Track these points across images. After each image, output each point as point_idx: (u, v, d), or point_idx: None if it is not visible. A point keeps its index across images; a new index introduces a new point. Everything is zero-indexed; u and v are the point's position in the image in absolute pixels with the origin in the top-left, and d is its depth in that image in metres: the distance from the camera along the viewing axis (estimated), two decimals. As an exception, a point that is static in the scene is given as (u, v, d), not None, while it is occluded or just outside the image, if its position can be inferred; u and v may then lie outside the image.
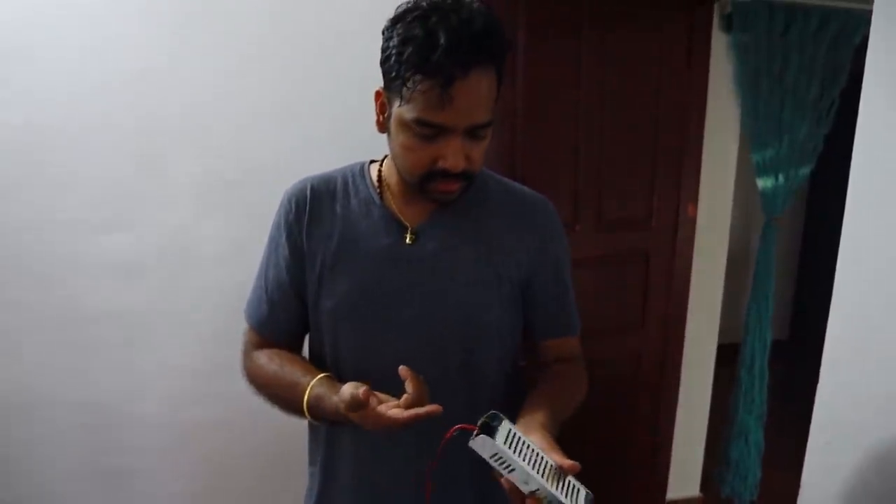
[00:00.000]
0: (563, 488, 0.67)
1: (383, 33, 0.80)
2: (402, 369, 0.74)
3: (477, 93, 0.76)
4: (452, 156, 0.78)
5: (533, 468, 0.66)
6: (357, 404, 0.72)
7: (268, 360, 0.90)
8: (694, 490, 2.30)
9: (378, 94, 0.83)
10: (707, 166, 1.92)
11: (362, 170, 0.93)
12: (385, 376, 0.77)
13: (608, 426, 1.97)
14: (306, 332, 0.96)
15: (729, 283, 2.19)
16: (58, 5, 1.48)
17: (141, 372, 1.72)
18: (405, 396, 0.73)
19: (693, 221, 1.93)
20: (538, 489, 0.66)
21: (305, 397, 0.82)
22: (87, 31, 1.52)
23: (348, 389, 0.75)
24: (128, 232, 1.65)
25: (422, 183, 0.82)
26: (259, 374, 0.91)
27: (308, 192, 0.91)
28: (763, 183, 2.04)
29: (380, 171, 0.92)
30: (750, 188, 2.23)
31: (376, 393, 0.75)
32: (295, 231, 0.90)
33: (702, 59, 1.83)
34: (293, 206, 0.91)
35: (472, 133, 0.79)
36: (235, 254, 1.67)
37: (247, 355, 0.94)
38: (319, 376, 0.84)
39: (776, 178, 2.01)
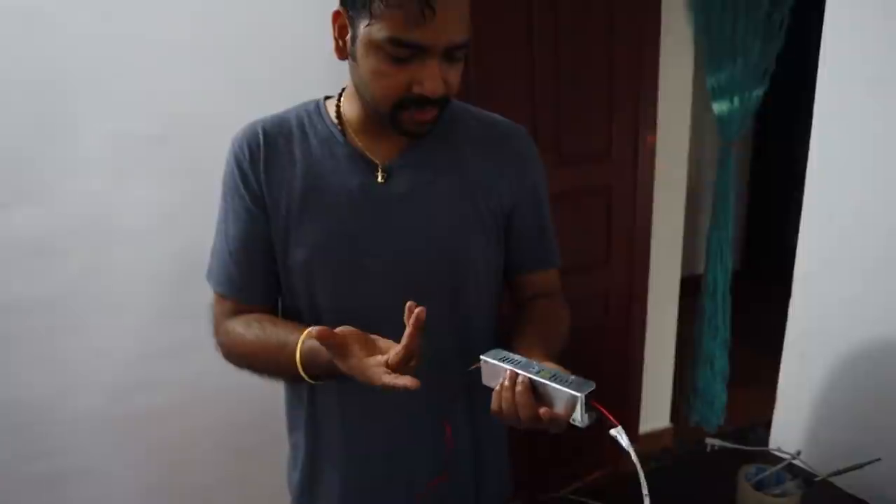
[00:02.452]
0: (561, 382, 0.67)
1: None
2: (411, 307, 0.65)
3: (457, 7, 0.69)
4: (430, 79, 0.70)
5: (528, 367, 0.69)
6: (327, 340, 0.65)
7: (246, 327, 0.81)
8: (664, 421, 2.34)
9: (336, 14, 0.73)
10: (663, 93, 1.87)
11: (318, 107, 0.84)
12: (369, 327, 0.70)
13: (578, 366, 1.94)
14: (280, 291, 0.87)
15: (685, 214, 2.18)
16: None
17: (70, 363, 1.52)
18: (394, 353, 0.65)
19: (652, 151, 1.88)
20: (537, 376, 0.67)
21: (298, 354, 0.74)
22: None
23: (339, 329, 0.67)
24: (35, 206, 1.42)
25: (394, 113, 0.73)
26: (238, 343, 0.81)
27: (260, 135, 0.81)
28: (719, 107, 2.01)
29: (338, 106, 0.83)
30: (699, 114, 2.20)
31: (372, 337, 0.69)
32: (252, 178, 0.80)
33: (653, -21, 1.76)
34: (246, 151, 0.81)
35: (450, 54, 0.71)
36: (167, 219, 1.49)
37: (219, 327, 0.85)
38: (309, 329, 0.74)
39: (731, 102, 1.98)
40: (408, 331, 0.64)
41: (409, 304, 0.65)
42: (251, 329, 0.80)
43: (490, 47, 1.58)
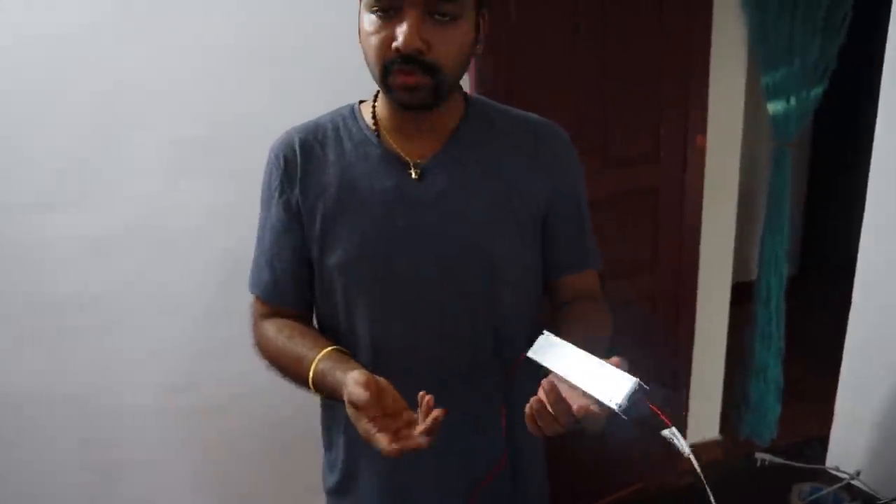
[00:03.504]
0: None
1: None
2: (421, 396, 0.65)
3: None
4: (404, 33, 0.69)
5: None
6: (355, 403, 0.65)
7: (276, 333, 0.84)
8: (713, 433, 2.25)
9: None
10: (714, 92, 1.80)
11: (353, 111, 0.85)
12: (407, 330, 0.70)
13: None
14: (314, 296, 0.89)
15: (740, 218, 2.10)
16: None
17: (124, 359, 1.59)
18: (401, 443, 0.64)
19: (702, 153, 1.82)
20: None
21: (311, 373, 0.75)
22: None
23: (353, 379, 0.66)
24: (91, 207, 1.49)
25: (384, 76, 0.73)
26: (268, 347, 0.86)
27: (296, 144, 0.83)
28: (773, 107, 1.92)
29: (373, 108, 0.83)
30: (754, 113, 2.11)
31: (388, 390, 0.67)
32: (287, 187, 0.82)
33: (704, -25, 1.70)
34: (282, 160, 0.83)
35: (433, 10, 0.70)
36: (219, 220, 1.54)
37: (255, 327, 0.89)
38: (327, 349, 0.76)
39: (787, 101, 1.89)
40: (420, 428, 0.63)
41: (421, 394, 0.64)
42: (281, 335, 0.83)
43: (533, 44, 1.55)
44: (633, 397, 0.60)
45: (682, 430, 2.10)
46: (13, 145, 1.43)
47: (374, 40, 0.71)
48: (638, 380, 0.60)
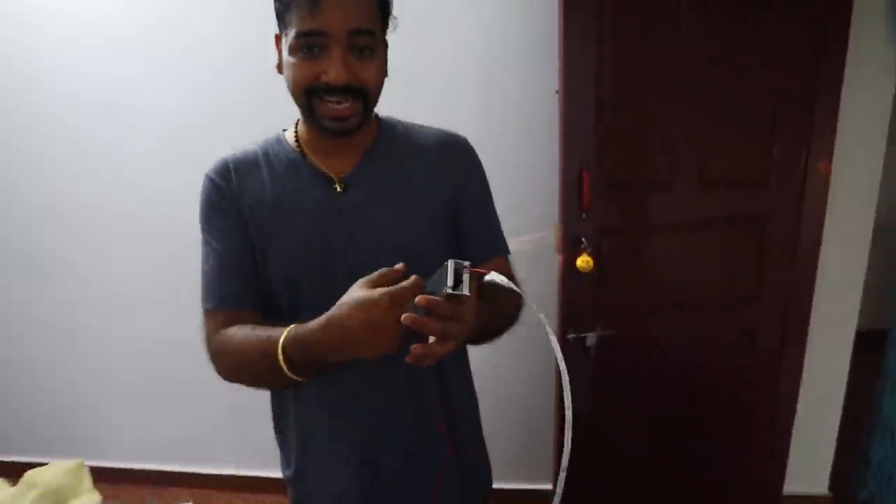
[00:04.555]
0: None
1: None
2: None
3: None
4: (332, 67, 0.79)
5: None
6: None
7: (236, 330, 0.86)
8: (821, 487, 2.03)
9: (276, 38, 0.87)
10: (849, 111, 1.61)
11: (278, 138, 0.96)
12: None
13: (715, 410, 1.80)
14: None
15: (882, 257, 1.86)
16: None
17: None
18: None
19: (825, 180, 1.64)
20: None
21: (280, 344, 0.78)
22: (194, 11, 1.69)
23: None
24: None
25: (308, 104, 0.83)
26: (227, 346, 0.86)
27: (231, 166, 0.92)
28: (928, 132, 1.67)
29: (296, 132, 0.95)
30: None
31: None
32: (230, 200, 0.90)
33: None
34: (219, 181, 0.91)
35: (355, 44, 0.80)
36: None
37: (210, 339, 0.90)
38: (295, 324, 0.81)
39: (946, 126, 1.63)
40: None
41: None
42: (242, 330, 0.85)
43: (626, 45, 1.48)
44: (459, 276, 0.69)
45: (780, 477, 1.93)
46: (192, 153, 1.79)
47: (299, 73, 0.81)
48: (455, 260, 0.69)
